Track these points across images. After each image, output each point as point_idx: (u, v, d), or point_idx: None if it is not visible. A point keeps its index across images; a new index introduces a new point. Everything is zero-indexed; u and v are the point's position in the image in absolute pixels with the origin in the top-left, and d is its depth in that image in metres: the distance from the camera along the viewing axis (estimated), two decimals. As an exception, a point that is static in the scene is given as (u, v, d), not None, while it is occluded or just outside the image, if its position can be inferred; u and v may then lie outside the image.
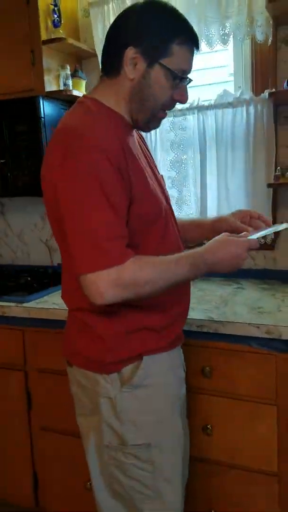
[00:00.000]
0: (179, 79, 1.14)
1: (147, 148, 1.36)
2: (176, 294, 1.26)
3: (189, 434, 1.58)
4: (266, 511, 1.59)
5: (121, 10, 2.04)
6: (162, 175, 1.38)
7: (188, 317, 1.57)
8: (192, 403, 1.62)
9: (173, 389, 1.26)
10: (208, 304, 1.75)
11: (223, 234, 1.17)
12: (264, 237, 1.30)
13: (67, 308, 1.30)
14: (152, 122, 1.21)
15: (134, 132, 1.25)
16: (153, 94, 1.14)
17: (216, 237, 1.16)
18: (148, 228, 1.18)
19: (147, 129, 1.25)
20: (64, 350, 1.31)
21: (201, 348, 1.60)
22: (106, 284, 1.04)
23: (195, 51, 1.16)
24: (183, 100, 1.19)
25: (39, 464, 1.98)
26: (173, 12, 1.13)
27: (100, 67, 1.23)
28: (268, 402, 1.53)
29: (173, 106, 1.22)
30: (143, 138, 1.38)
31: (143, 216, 1.16)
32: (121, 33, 1.13)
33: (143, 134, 1.39)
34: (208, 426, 1.62)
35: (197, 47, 1.16)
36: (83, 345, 1.21)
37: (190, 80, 1.19)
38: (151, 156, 1.37)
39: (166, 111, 1.22)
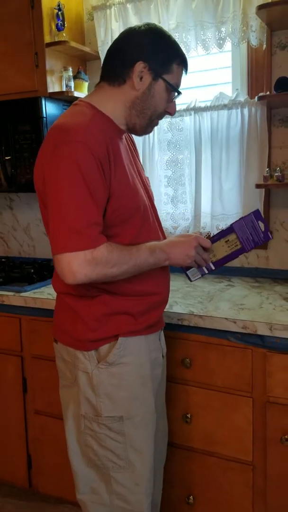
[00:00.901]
0: (177, 92, 1.35)
1: (135, 150, 1.49)
2: (153, 284, 1.37)
3: (170, 421, 1.68)
4: (240, 497, 1.66)
5: (122, 14, 2.14)
6: (147, 177, 1.52)
7: (170, 310, 1.67)
8: (173, 392, 1.70)
9: (146, 369, 1.36)
10: (193, 299, 1.82)
11: (177, 235, 1.40)
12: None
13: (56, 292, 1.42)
14: (149, 128, 1.39)
15: (124, 136, 1.39)
16: (153, 104, 1.33)
17: (172, 237, 1.40)
18: (125, 222, 1.30)
19: (143, 134, 1.41)
20: (52, 328, 1.45)
21: (181, 340, 1.67)
22: (79, 263, 1.17)
23: (185, 72, 1.37)
24: (172, 112, 1.40)
25: (32, 446, 2.09)
26: (171, 38, 1.33)
27: (101, 75, 1.36)
28: (244, 394, 1.60)
29: (162, 117, 1.41)
30: (133, 141, 1.50)
31: (121, 209, 1.27)
32: (130, 49, 1.29)
33: (135, 137, 1.53)
34: (188, 415, 1.69)
35: (187, 69, 1.37)
36: (67, 325, 1.34)
37: (180, 94, 1.38)
38: (138, 157, 1.50)
39: (158, 121, 1.40)
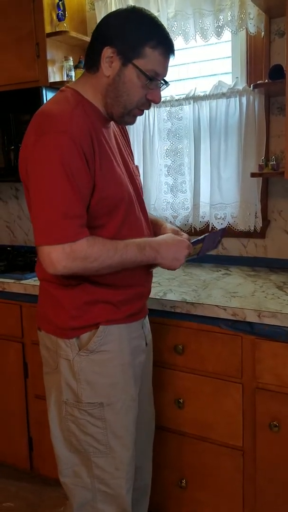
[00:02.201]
0: (150, 79, 1.24)
1: (125, 138, 1.47)
2: (136, 276, 1.38)
3: (163, 406, 1.72)
4: (231, 481, 1.69)
5: (123, 3, 2.15)
6: (137, 166, 1.50)
7: (164, 298, 1.69)
8: (166, 378, 1.74)
9: (127, 357, 1.37)
10: (188, 287, 1.84)
11: (169, 234, 1.39)
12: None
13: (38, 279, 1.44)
14: (127, 117, 1.31)
15: (112, 124, 1.36)
16: (126, 91, 1.26)
17: (164, 235, 1.38)
18: (109, 213, 1.29)
19: (122, 123, 1.37)
20: (36, 316, 1.47)
21: (174, 327, 1.70)
22: (59, 256, 1.18)
23: (171, 57, 1.27)
24: (155, 100, 1.30)
25: (34, 430, 2.15)
26: (150, 19, 1.25)
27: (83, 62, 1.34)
28: (234, 380, 1.62)
29: (149, 106, 1.33)
30: (124, 129, 1.49)
31: (105, 200, 1.27)
32: (101, 33, 1.25)
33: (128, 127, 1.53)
34: (180, 400, 1.72)
35: (171, 53, 1.27)
36: (49, 313, 1.36)
37: (167, 84, 1.30)
38: (129, 146, 1.49)
39: (143, 110, 1.33)
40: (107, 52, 1.22)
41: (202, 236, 1.44)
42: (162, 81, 1.29)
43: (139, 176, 1.49)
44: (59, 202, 1.17)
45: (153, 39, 1.22)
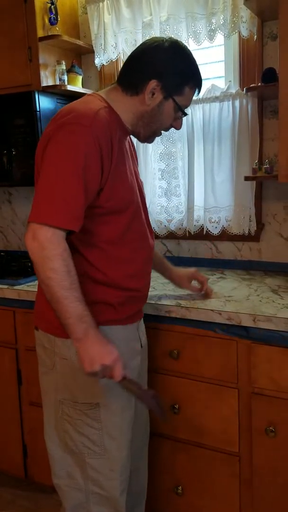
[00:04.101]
0: (183, 114, 1.40)
1: (135, 154, 1.55)
2: (137, 281, 1.40)
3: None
4: (227, 487, 1.67)
5: (115, 7, 2.14)
6: (142, 181, 1.56)
7: (158, 303, 1.68)
8: (161, 383, 1.72)
9: (124, 359, 1.34)
10: (183, 291, 1.82)
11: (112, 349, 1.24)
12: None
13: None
14: (151, 138, 1.45)
15: (128, 138, 1.44)
16: (159, 120, 1.38)
17: (103, 339, 1.24)
18: (119, 211, 1.32)
19: (144, 142, 1.47)
20: (33, 315, 1.47)
21: (169, 332, 1.68)
22: (39, 236, 1.17)
23: (197, 93, 1.43)
24: (178, 128, 1.45)
25: (28, 437, 2.12)
26: (192, 60, 1.36)
27: (118, 76, 1.40)
28: (230, 385, 1.61)
29: (167, 130, 1.46)
30: (134, 146, 1.55)
31: (115, 200, 1.29)
32: (148, 64, 1.33)
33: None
34: (176, 405, 1.71)
35: (199, 91, 1.42)
36: (47, 312, 1.33)
37: (186, 115, 1.44)
38: (137, 161, 1.56)
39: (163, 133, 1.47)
40: (152, 85, 1.31)
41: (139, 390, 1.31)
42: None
43: (143, 190, 1.54)
44: (63, 188, 1.18)
45: (193, 81, 1.37)
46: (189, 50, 1.37)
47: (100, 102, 1.31)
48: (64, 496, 1.43)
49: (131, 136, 1.44)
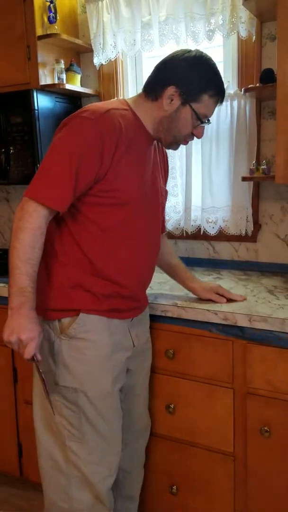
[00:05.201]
0: (201, 122, 1.42)
1: (164, 165, 1.64)
2: (122, 276, 1.42)
3: (154, 411, 1.72)
4: (222, 487, 1.67)
5: (114, 6, 2.14)
6: (166, 190, 1.66)
7: (154, 302, 1.68)
8: (157, 382, 1.72)
9: (106, 350, 1.41)
10: (180, 291, 1.82)
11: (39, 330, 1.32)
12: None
13: None
14: (174, 145, 1.48)
15: (156, 146, 1.51)
16: (177, 126, 1.42)
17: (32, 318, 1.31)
18: (117, 205, 1.36)
19: (168, 148, 1.53)
20: None
21: (165, 331, 1.68)
22: (24, 208, 1.28)
23: (219, 103, 1.45)
24: (199, 136, 1.48)
25: (23, 436, 2.12)
26: (212, 70, 1.41)
27: (144, 84, 1.46)
28: (225, 385, 1.61)
29: (192, 138, 1.49)
30: (165, 156, 1.65)
31: (114, 191, 1.34)
32: (168, 71, 1.39)
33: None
34: (171, 405, 1.71)
35: (222, 101, 1.45)
36: (38, 292, 1.38)
37: (209, 122, 1.46)
38: (164, 171, 1.63)
39: (188, 140, 1.49)
40: (170, 90, 1.37)
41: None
42: (208, 120, 1.45)
43: (165, 198, 1.63)
44: (55, 170, 1.28)
45: (212, 89, 1.39)
46: (212, 61, 1.41)
47: (120, 105, 1.39)
48: (46, 477, 1.47)
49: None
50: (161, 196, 1.55)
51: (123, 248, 1.40)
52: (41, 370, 1.34)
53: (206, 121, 1.44)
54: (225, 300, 1.64)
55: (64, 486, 1.43)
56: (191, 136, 1.46)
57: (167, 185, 2.22)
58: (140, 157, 1.41)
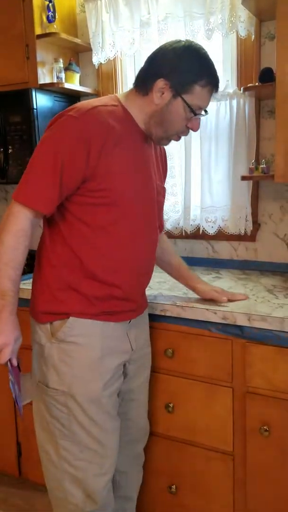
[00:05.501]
0: (194, 114, 1.37)
1: (162, 162, 1.59)
2: (116, 277, 1.39)
3: (153, 410, 1.72)
4: (221, 486, 1.67)
5: (113, 5, 2.14)
6: (164, 187, 1.59)
7: (154, 301, 1.68)
8: (156, 382, 1.72)
9: (96, 353, 1.39)
10: (179, 291, 1.82)
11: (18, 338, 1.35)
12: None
13: None
14: (165, 140, 1.43)
15: (154, 145, 1.48)
16: (170, 120, 1.37)
17: (10, 323, 1.32)
18: (107, 205, 1.33)
19: (158, 144, 1.47)
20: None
21: (164, 331, 1.68)
22: (10, 210, 1.30)
23: (214, 92, 1.39)
24: (194, 129, 1.42)
25: (22, 436, 2.12)
26: (203, 59, 1.35)
27: (135, 78, 1.41)
28: (224, 384, 1.61)
29: (187, 133, 1.44)
30: (163, 154, 1.61)
31: (103, 191, 1.31)
32: (157, 63, 1.35)
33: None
34: (170, 404, 1.71)
35: (216, 90, 1.39)
36: (32, 297, 1.43)
37: (206, 113, 1.41)
38: (162, 169, 1.58)
39: (180, 136, 1.44)
40: (160, 83, 1.32)
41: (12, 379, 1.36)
42: (204, 112, 1.40)
43: (163, 196, 1.58)
44: (39, 172, 1.27)
45: (203, 79, 1.33)
46: (203, 49, 1.35)
47: (110, 101, 1.35)
48: (44, 469, 1.49)
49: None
50: (157, 193, 1.50)
51: (116, 248, 1.37)
52: (11, 377, 1.32)
53: (202, 113, 1.39)
54: (226, 299, 1.62)
55: (59, 479, 1.44)
56: (186, 130, 1.41)
57: (167, 183, 2.24)
58: (131, 154, 1.36)
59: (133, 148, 1.37)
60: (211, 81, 1.35)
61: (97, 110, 1.29)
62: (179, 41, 1.35)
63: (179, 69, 1.31)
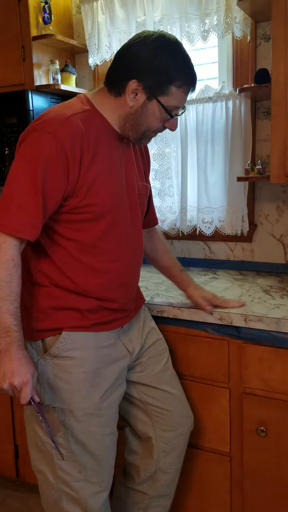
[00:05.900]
0: (171, 115, 1.30)
1: (144, 159, 1.52)
2: (108, 290, 1.36)
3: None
4: (218, 487, 1.67)
5: (109, 7, 2.14)
6: (146, 185, 1.51)
7: (151, 302, 1.68)
8: (153, 383, 1.72)
9: (92, 365, 1.35)
10: (175, 291, 1.82)
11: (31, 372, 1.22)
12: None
13: None
14: (143, 140, 1.37)
15: (129, 143, 1.39)
16: (146, 122, 1.30)
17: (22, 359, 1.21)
18: (94, 219, 1.29)
19: (138, 144, 1.42)
20: None
21: (162, 332, 1.67)
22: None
23: (191, 91, 1.31)
24: (172, 129, 1.35)
25: (19, 437, 2.11)
26: (178, 54, 1.26)
27: (105, 75, 1.34)
28: (221, 385, 1.61)
29: (163, 130, 1.37)
30: (146, 151, 1.54)
31: (89, 206, 1.27)
32: (128, 62, 1.26)
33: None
34: (167, 406, 1.71)
35: (193, 88, 1.31)
36: (22, 315, 1.33)
37: (184, 111, 1.35)
38: (144, 165, 1.52)
39: (157, 133, 1.37)
40: (133, 85, 1.25)
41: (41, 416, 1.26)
42: (183, 107, 1.34)
43: (145, 195, 1.51)
44: (19, 197, 1.18)
45: (179, 79, 1.25)
46: (177, 45, 1.26)
47: (81, 105, 1.28)
48: (40, 490, 1.44)
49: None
50: (139, 195, 1.44)
51: (105, 263, 1.33)
52: (39, 415, 1.24)
53: (179, 113, 1.32)
54: (209, 308, 1.57)
55: (56, 499, 1.39)
56: (162, 129, 1.34)
57: (164, 184, 2.25)
58: (110, 161, 1.30)
59: (111, 155, 1.31)
60: (187, 80, 1.27)
61: (70, 122, 1.21)
62: (151, 35, 1.25)
63: (152, 69, 1.22)
